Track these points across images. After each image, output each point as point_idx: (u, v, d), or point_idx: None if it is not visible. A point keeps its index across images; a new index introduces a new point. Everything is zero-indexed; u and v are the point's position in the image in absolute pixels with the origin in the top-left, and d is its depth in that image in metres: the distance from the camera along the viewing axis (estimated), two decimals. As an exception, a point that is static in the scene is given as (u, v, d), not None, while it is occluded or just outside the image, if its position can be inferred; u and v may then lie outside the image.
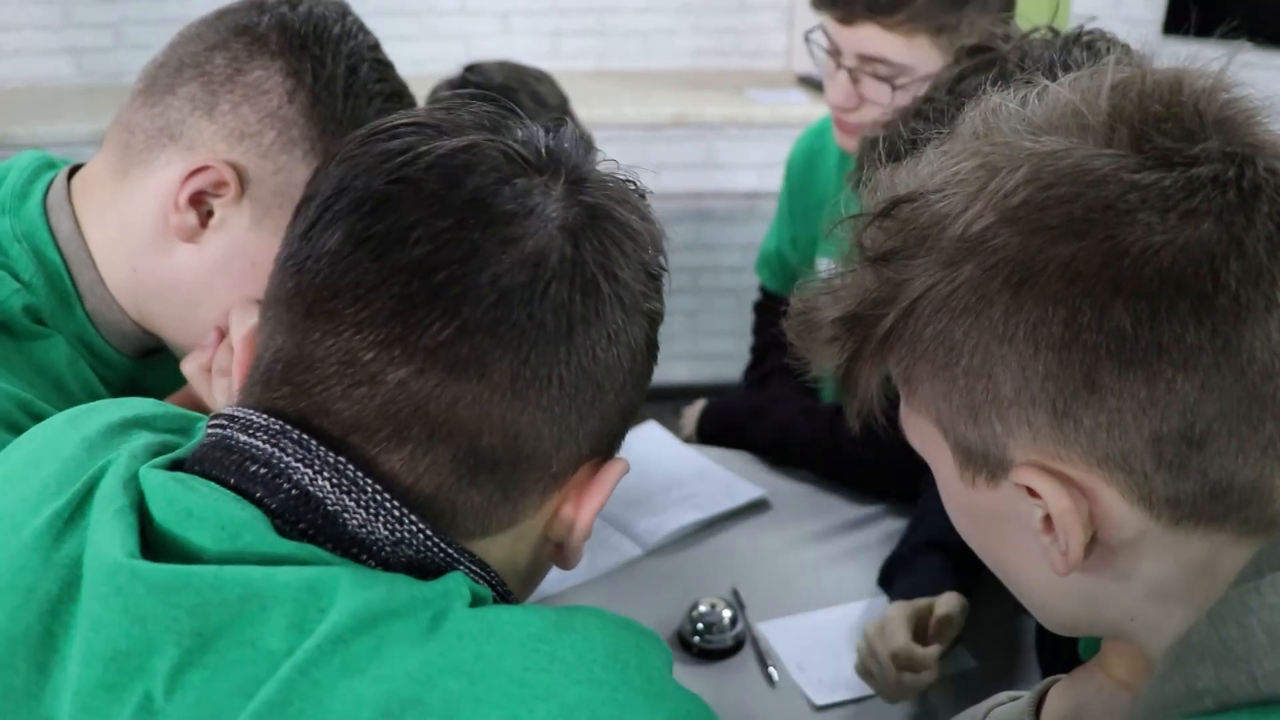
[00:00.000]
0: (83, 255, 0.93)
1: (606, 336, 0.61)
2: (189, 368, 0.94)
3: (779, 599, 1.33)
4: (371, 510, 0.57)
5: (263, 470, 0.57)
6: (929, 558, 1.26)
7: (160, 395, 0.91)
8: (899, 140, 1.08)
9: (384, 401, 0.57)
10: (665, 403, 2.98)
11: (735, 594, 1.32)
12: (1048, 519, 0.57)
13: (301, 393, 0.59)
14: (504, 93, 1.43)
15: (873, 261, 0.60)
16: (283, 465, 0.57)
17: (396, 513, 0.57)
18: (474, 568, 0.60)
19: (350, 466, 0.57)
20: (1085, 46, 0.96)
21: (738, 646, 1.25)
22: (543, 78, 1.50)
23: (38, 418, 0.81)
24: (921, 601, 1.17)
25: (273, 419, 0.59)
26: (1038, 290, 0.54)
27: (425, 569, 0.58)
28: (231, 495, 0.57)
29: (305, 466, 0.57)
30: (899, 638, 1.11)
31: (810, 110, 2.84)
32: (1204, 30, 3.31)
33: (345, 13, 0.95)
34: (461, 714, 0.50)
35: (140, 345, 0.98)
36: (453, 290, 0.57)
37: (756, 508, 1.51)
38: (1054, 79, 0.60)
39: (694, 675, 1.22)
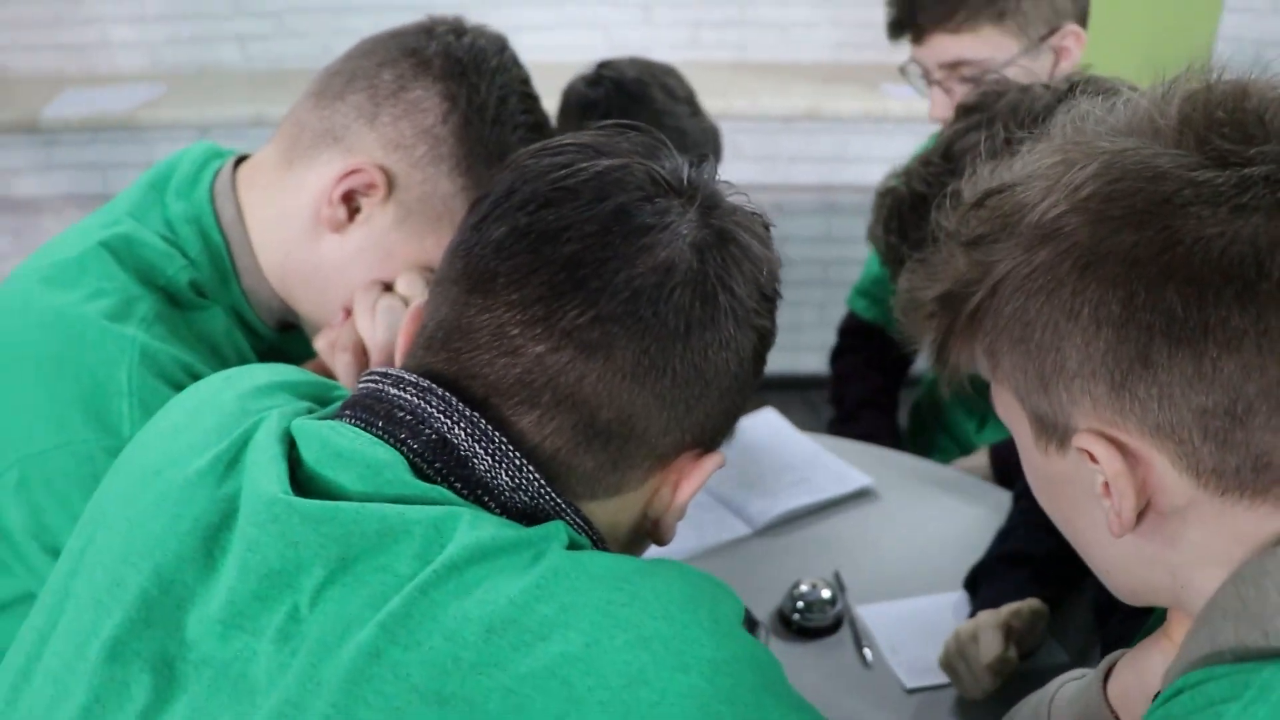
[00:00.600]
0: (242, 238, 1.05)
1: (718, 341, 0.69)
2: (320, 343, 1.05)
3: (879, 583, 1.38)
4: (497, 459, 0.66)
5: (408, 417, 0.67)
6: (1015, 570, 1.29)
7: (297, 364, 1.02)
8: (905, 198, 1.16)
9: (523, 370, 0.67)
10: (793, 391, 3.04)
11: (837, 576, 1.37)
12: (1106, 484, 0.63)
13: (456, 358, 0.69)
14: (635, 85, 1.52)
15: (965, 245, 0.67)
16: (425, 414, 0.67)
17: (518, 462, 0.66)
18: (579, 520, 0.68)
19: (483, 420, 0.66)
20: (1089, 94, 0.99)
21: (836, 626, 1.31)
22: (671, 71, 1.58)
23: (197, 379, 0.93)
24: (1008, 609, 1.20)
25: (421, 377, 0.68)
26: (1101, 273, 0.60)
27: (535, 516, 0.67)
28: (376, 440, 0.67)
29: (445, 417, 0.66)
30: (994, 647, 1.14)
31: (945, 105, 2.84)
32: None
33: (504, 47, 1.07)
34: (552, 635, 0.58)
35: (282, 319, 1.10)
36: (592, 284, 0.66)
37: (864, 495, 1.56)
38: (1046, 129, 0.67)
39: (792, 651, 1.28)
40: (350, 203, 1.02)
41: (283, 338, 1.12)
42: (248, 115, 2.97)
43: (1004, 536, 1.38)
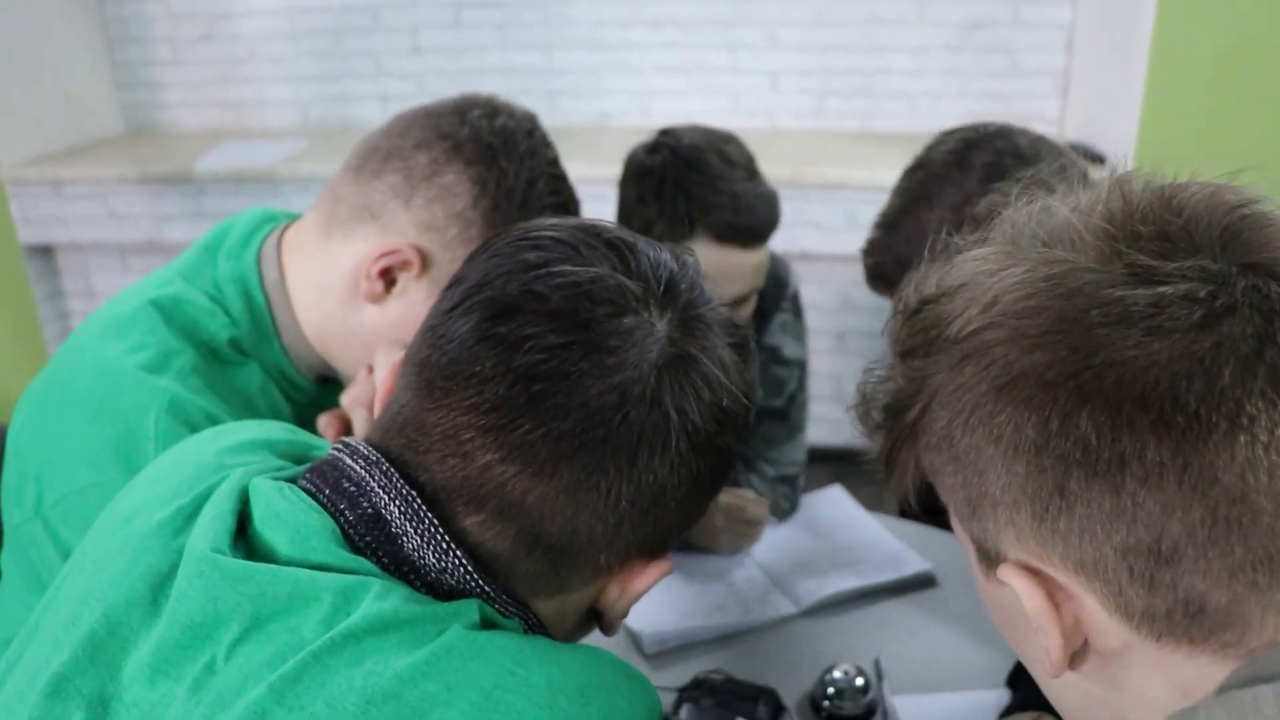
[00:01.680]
0: (283, 299, 1.13)
1: (669, 464, 0.69)
2: (344, 399, 1.09)
3: (922, 674, 1.34)
4: (425, 539, 0.68)
5: (352, 488, 0.70)
6: None
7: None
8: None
9: (469, 475, 0.68)
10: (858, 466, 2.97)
11: (876, 663, 1.34)
12: (1028, 618, 0.59)
13: (409, 447, 0.71)
14: (691, 152, 1.53)
15: (901, 357, 0.65)
16: (367, 487, 0.69)
17: (445, 544, 0.68)
18: (508, 603, 0.69)
19: (419, 501, 0.68)
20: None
21: (868, 715, 1.27)
22: (730, 139, 1.59)
23: None
24: (1037, 715, 1.15)
25: (375, 451, 0.71)
26: (1015, 395, 0.56)
27: (458, 598, 0.68)
28: (313, 506, 0.69)
29: (384, 493, 0.69)
30: None
31: (1069, 180, 2.76)
32: None
33: (533, 129, 1.12)
34: (431, 714, 0.59)
35: (322, 374, 1.17)
36: (547, 402, 0.67)
37: (922, 582, 1.52)
38: (987, 229, 0.64)
39: (820, 738, 1.25)
40: (387, 275, 1.09)
41: (322, 390, 1.19)
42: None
43: None
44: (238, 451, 0.78)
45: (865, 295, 3.24)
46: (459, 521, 0.69)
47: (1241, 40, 2.83)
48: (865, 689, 1.27)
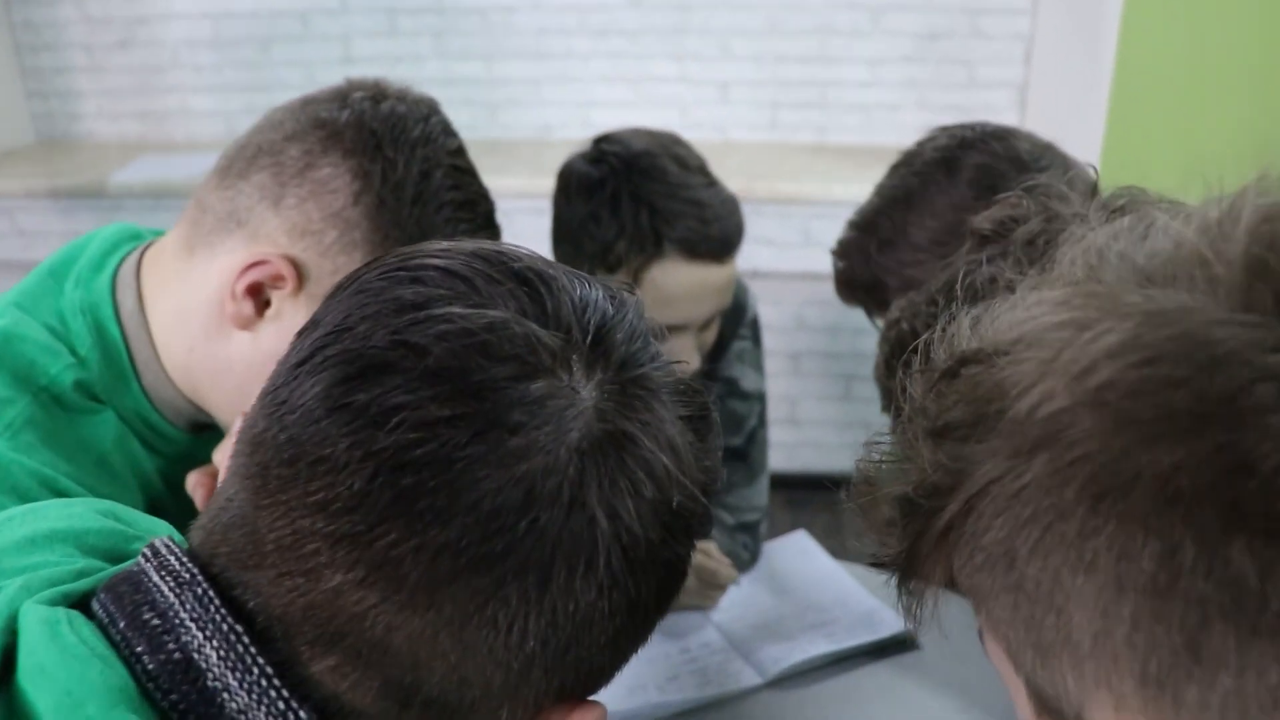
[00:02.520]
0: (142, 331, 0.92)
1: (597, 588, 0.50)
2: (217, 456, 0.91)
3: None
4: (255, 695, 0.48)
5: (156, 621, 0.50)
6: None
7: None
8: (907, 338, 0.96)
9: (315, 602, 0.49)
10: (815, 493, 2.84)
11: (852, 746, 1.18)
12: None
13: (235, 559, 0.51)
14: (645, 157, 1.36)
15: (931, 435, 0.48)
16: (176, 620, 0.50)
17: (282, 705, 0.48)
18: None
19: (245, 639, 0.49)
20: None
21: (847, 809, 1.12)
22: (679, 140, 1.42)
23: (61, 494, 0.79)
24: None
25: (191, 564, 0.52)
26: (1124, 508, 0.40)
27: None
28: (103, 652, 0.50)
29: (198, 629, 0.50)
30: None
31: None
32: None
33: (431, 113, 0.93)
34: None
35: (195, 420, 0.97)
36: (421, 503, 0.48)
37: (901, 644, 1.36)
38: (1049, 261, 0.47)
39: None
40: (258, 295, 0.89)
41: (197, 441, 0.99)
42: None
43: None
44: (26, 548, 0.57)
45: (821, 315, 3.14)
46: (304, 667, 0.49)
47: (1206, 51, 2.75)
48: (843, 779, 1.12)
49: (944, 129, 1.18)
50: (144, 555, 0.54)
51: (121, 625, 0.51)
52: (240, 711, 0.48)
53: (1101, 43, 2.84)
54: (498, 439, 0.48)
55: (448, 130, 0.94)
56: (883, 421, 1.00)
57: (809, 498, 2.82)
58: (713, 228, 1.36)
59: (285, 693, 0.49)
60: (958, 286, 0.87)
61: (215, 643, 0.49)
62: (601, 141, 1.41)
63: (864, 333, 1.40)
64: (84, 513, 0.62)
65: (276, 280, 0.88)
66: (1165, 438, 0.39)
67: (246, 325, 0.89)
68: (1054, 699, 0.45)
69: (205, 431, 0.99)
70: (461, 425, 0.48)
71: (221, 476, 0.57)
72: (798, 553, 1.54)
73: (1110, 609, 0.41)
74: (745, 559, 1.50)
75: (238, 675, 0.49)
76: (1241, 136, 2.78)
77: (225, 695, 0.49)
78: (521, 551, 0.48)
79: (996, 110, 3.20)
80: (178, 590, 0.51)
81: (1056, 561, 0.42)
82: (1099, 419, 0.41)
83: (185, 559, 0.52)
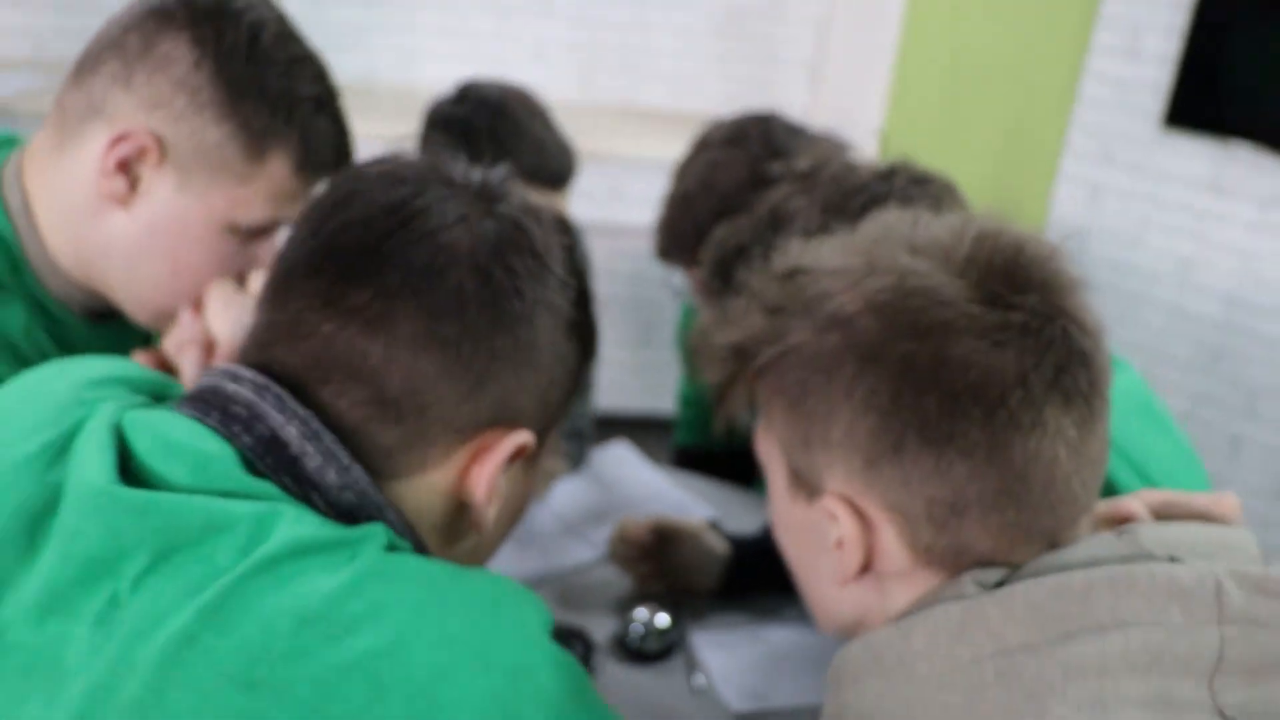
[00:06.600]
0: (30, 228, 1.02)
1: (510, 315, 0.73)
2: (169, 344, 1.02)
3: (719, 612, 1.43)
4: (327, 457, 0.68)
5: (244, 412, 0.69)
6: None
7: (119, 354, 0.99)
8: (732, 248, 1.31)
9: (317, 349, 0.70)
10: (659, 431, 3.09)
11: (676, 603, 1.42)
12: (840, 541, 0.73)
13: (266, 349, 0.72)
14: (498, 102, 1.65)
15: (765, 310, 0.76)
16: (260, 410, 0.69)
17: (345, 460, 0.68)
18: (399, 522, 0.70)
19: (315, 420, 0.68)
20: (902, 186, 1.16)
21: (669, 651, 1.35)
22: (527, 91, 1.75)
23: None
24: None
25: (258, 374, 0.70)
26: (878, 369, 0.70)
27: (358, 516, 0.69)
28: (209, 432, 0.68)
29: (279, 414, 0.68)
30: None
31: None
32: (1205, 125, 3.38)
33: None
34: (362, 630, 0.60)
35: (92, 308, 1.07)
36: (371, 264, 0.70)
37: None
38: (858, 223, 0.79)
39: (625, 674, 1.32)
40: (128, 172, 0.99)
41: (98, 329, 1.09)
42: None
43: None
44: (93, 386, 0.75)
45: (626, 264, 3.36)
46: (315, 399, 0.70)
47: (974, 42, 3.13)
48: (670, 628, 1.35)
49: (720, 121, 1.63)
50: (212, 376, 0.73)
51: (216, 417, 0.69)
52: (316, 470, 0.68)
53: (886, 30, 3.18)
54: (419, 221, 0.72)
55: (268, 4, 1.04)
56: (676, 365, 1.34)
57: (609, 433, 3.06)
58: (549, 161, 1.70)
59: (345, 452, 0.69)
60: (776, 213, 1.18)
61: (294, 424, 0.68)
62: (464, 88, 1.71)
63: (668, 282, 1.65)
64: (124, 363, 0.80)
65: (141, 152, 0.98)
66: (910, 335, 0.69)
67: (123, 202, 0.99)
68: (805, 473, 0.75)
69: (107, 320, 1.09)
70: (391, 217, 0.72)
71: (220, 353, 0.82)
72: (618, 457, 1.77)
73: (857, 421, 0.71)
74: (575, 459, 1.73)
75: (313, 444, 0.68)
76: (999, 115, 3.19)
77: (305, 458, 0.68)
78: (447, 288, 0.71)
79: (791, 86, 3.50)
80: (257, 391, 0.70)
81: (833, 392, 0.71)
82: (875, 320, 0.71)
83: (253, 371, 0.71)
